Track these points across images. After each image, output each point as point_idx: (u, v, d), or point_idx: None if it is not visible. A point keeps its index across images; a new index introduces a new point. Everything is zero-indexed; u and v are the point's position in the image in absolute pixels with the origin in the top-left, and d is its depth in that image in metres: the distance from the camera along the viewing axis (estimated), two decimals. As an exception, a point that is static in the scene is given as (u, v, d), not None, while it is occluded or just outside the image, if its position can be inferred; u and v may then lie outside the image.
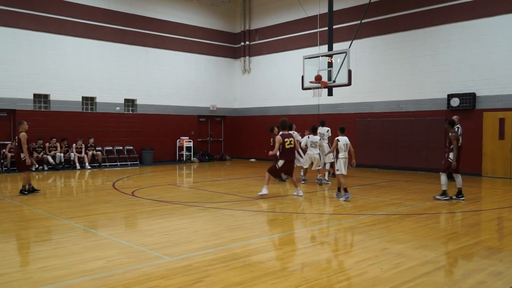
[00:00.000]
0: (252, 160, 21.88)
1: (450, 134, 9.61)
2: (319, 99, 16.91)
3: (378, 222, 7.42)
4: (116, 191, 11.08)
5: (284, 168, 10.07)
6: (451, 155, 9.53)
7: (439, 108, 15.52)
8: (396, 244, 6.01)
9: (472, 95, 14.63)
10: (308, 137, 12.41)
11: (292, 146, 9.87)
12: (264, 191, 9.98)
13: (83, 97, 18.09)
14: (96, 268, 4.87)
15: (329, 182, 12.52)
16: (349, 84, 13.46)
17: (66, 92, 17.46)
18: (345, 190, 9.69)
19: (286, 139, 9.83)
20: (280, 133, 10.01)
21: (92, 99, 18.38)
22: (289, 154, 9.89)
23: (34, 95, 16.85)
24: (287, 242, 6.09)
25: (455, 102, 14.93)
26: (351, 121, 17.73)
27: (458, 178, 9.67)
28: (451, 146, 9.49)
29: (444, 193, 9.72)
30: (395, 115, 16.69)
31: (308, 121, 19.36)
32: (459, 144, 9.57)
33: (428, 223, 7.40)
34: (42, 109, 17.11)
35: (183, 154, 20.68)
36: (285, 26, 20.74)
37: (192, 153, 20.83)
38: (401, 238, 6.36)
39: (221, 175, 15.39)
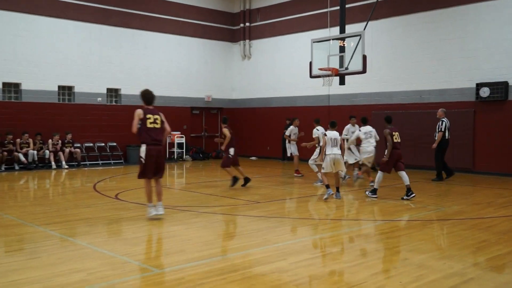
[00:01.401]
0: (253, 158, 21.90)
1: (384, 130, 10.51)
2: (330, 88, 16.90)
3: (397, 229, 7.43)
4: (98, 193, 11.09)
5: (235, 156, 11.80)
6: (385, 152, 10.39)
7: (467, 99, 15.51)
8: (417, 254, 6.02)
9: (504, 84, 14.60)
10: (360, 129, 12.31)
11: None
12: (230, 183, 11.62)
13: (59, 86, 18.09)
14: (75, 281, 4.88)
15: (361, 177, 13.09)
16: (363, 71, 13.44)
17: (40, 80, 17.46)
18: (327, 186, 10.17)
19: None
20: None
21: (70, 88, 18.39)
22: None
23: (3, 84, 16.85)
24: (293, 252, 6.10)
25: (484, 92, 14.92)
26: (366, 114, 17.60)
27: (404, 177, 10.20)
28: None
29: (374, 191, 10.41)
30: (416, 106, 16.67)
31: (316, 114, 19.35)
32: (436, 138, 12.59)
33: (454, 230, 7.40)
34: (12, 100, 17.11)
35: (174, 152, 20.70)
36: (291, 5, 20.70)
37: (184, 151, 20.85)
38: (423, 247, 6.37)
39: (217, 175, 15.39)
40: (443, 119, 13.47)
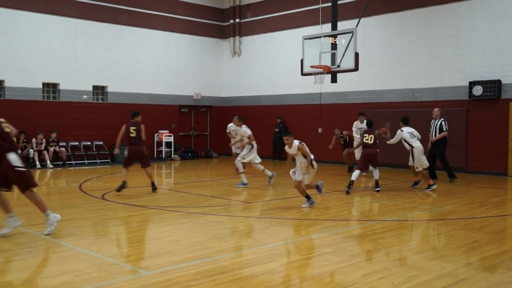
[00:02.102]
0: (243, 157, 21.88)
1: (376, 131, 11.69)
2: (321, 86, 16.92)
3: (389, 229, 7.47)
4: (84, 194, 11.05)
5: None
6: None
7: (460, 97, 15.65)
8: (409, 254, 6.07)
9: (497, 83, 14.75)
10: (402, 130, 11.82)
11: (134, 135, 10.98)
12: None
13: (44, 84, 17.97)
14: (61, 284, 4.86)
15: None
16: (356, 69, 13.50)
17: (23, 77, 17.31)
18: (307, 197, 9.40)
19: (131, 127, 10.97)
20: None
21: (54, 85, 18.27)
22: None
23: (-14, 81, 16.73)
24: (284, 253, 6.12)
25: (477, 90, 15.06)
26: (358, 112, 17.76)
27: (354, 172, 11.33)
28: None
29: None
30: (409, 105, 16.77)
31: (308, 112, 19.43)
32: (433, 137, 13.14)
33: (446, 230, 7.47)
34: (-4, 98, 16.98)
35: (162, 151, 20.65)
36: (282, 1, 20.71)
37: (172, 150, 20.81)
38: (415, 247, 6.43)
39: (206, 175, 15.40)
40: (443, 119, 13.36)
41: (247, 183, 12.16)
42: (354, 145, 14.40)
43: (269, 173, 12.58)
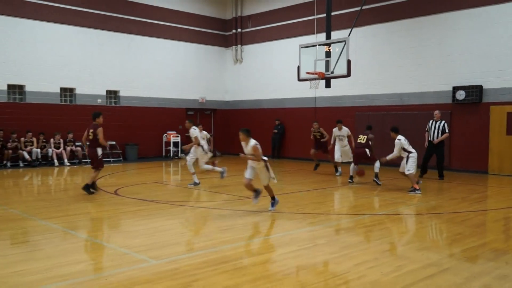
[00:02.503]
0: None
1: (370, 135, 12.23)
2: (316, 91, 16.94)
3: (378, 223, 7.48)
4: (98, 189, 11.03)
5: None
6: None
7: (444, 101, 15.63)
8: (397, 246, 6.08)
9: (479, 88, 14.74)
10: (399, 139, 11.14)
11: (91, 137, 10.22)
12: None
13: (61, 88, 17.97)
14: (77, 272, 4.87)
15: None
16: (348, 75, 13.48)
17: (43, 82, 17.32)
18: (273, 198, 8.54)
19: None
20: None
21: (71, 90, 18.27)
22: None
23: (8, 85, 16.70)
24: (282, 244, 6.13)
25: (460, 95, 15.04)
26: (350, 115, 17.79)
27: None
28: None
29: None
30: (397, 108, 16.77)
31: (304, 115, 19.42)
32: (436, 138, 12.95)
33: (431, 224, 7.47)
34: (17, 101, 16.97)
35: (170, 150, 20.64)
36: (280, 12, 20.72)
37: (179, 149, 20.81)
38: (403, 239, 6.44)
39: (210, 172, 15.37)
40: (443, 120, 13.13)
41: (198, 182, 11.59)
42: (329, 144, 14.32)
43: (196, 180, 11.68)
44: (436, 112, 13.31)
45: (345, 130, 13.74)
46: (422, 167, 13.33)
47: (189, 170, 11.80)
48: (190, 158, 11.82)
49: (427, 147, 13.29)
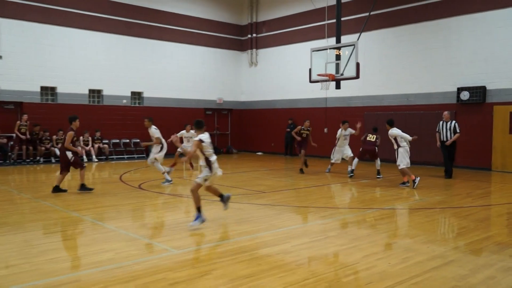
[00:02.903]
0: (259, 153, 21.89)
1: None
2: (327, 92, 16.83)
3: (386, 217, 7.42)
4: (123, 184, 11.15)
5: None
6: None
7: (449, 101, 15.41)
8: (404, 238, 6.01)
9: (482, 89, 14.50)
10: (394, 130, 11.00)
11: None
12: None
13: (89, 90, 18.18)
14: (105, 260, 4.92)
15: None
16: (357, 77, 13.40)
17: (73, 84, 17.55)
18: (198, 209, 6.57)
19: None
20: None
21: (98, 91, 18.46)
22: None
23: (41, 87, 16.96)
24: (295, 236, 6.12)
25: (465, 95, 14.82)
26: (359, 115, 17.65)
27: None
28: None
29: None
30: (404, 108, 16.59)
31: (315, 114, 19.34)
32: (449, 138, 12.46)
33: (437, 218, 7.38)
34: (49, 102, 17.21)
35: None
36: (292, 18, 20.64)
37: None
38: (409, 232, 6.36)
39: (228, 168, 15.40)
40: (453, 120, 12.51)
41: (171, 180, 11.07)
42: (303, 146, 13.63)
43: (168, 178, 11.02)
44: (445, 113, 12.75)
45: (350, 130, 13.44)
46: (448, 169, 12.59)
47: (159, 170, 11.14)
48: (150, 158, 11.19)
49: (440, 147, 12.69)
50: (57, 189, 9.60)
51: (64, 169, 9.67)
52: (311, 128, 14.06)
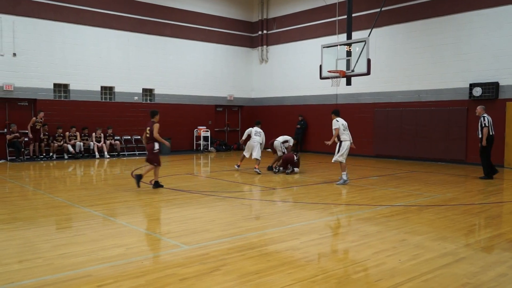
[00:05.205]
0: (269, 150, 21.79)
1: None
2: (337, 88, 16.73)
3: (396, 213, 7.35)
4: (134, 180, 11.16)
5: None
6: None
7: (461, 98, 15.21)
8: (414, 235, 5.94)
9: (495, 85, 14.27)
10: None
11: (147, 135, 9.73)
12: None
13: (102, 87, 18.29)
14: (115, 255, 4.95)
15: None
16: (368, 73, 13.20)
17: (85, 81, 17.67)
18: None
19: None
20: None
21: (110, 88, 18.57)
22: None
23: (54, 84, 17.10)
24: (304, 232, 6.09)
25: (477, 91, 14.60)
26: (369, 111, 17.53)
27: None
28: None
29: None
30: (414, 105, 16.41)
31: (326, 110, 19.23)
32: (480, 136, 11.25)
33: (448, 215, 7.29)
34: (62, 99, 17.36)
35: (200, 144, 20.78)
36: (303, 14, 20.52)
37: (209, 143, 20.91)
38: (420, 229, 6.29)
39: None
40: (484, 115, 11.55)
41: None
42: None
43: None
44: (477, 108, 11.82)
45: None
46: (489, 167, 11.65)
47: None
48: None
49: (483, 145, 11.61)
50: (157, 184, 9.66)
51: (155, 161, 9.61)
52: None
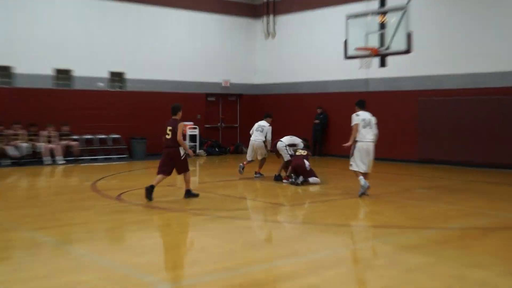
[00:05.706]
0: (274, 153, 21.73)
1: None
2: (368, 71, 16.62)
3: (452, 239, 7.29)
4: (97, 194, 11.11)
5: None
6: None
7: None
8: (477, 269, 5.86)
9: None
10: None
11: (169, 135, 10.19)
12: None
13: (55, 70, 18.23)
14: (69, 297, 4.84)
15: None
16: (408, 51, 13.26)
17: (34, 63, 17.61)
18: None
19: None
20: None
21: (67, 72, 18.51)
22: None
23: (-9, 67, 17.10)
24: (327, 265, 6.02)
25: (556, 75, 14.50)
26: (411, 101, 17.43)
27: None
28: None
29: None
30: (471, 92, 16.28)
31: (353, 101, 19.07)
32: None
33: (521, 241, 7.19)
34: (5, 86, 17.28)
35: (186, 145, 20.72)
36: (322, -27, 20.52)
37: (197, 144, 20.85)
38: (484, 261, 6.21)
39: (236, 173, 15.29)
40: None
41: None
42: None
43: None
44: None
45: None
46: None
47: None
48: None
49: None
50: (189, 193, 10.14)
51: (167, 171, 10.05)
52: None
